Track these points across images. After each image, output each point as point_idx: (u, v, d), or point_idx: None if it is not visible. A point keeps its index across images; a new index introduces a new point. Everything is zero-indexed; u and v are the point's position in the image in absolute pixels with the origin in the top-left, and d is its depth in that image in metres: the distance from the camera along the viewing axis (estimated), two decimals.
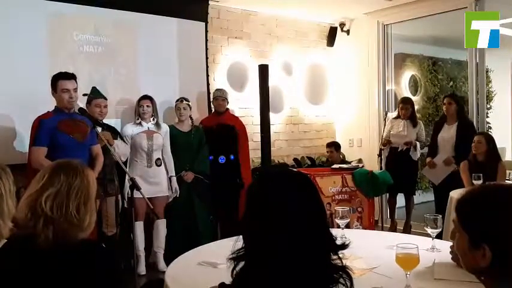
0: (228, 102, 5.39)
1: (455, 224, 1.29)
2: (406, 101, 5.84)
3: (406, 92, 7.39)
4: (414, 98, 6.95)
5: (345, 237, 2.30)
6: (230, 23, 6.10)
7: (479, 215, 1.23)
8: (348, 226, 2.70)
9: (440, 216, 2.39)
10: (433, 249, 2.36)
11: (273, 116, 5.81)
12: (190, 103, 5.01)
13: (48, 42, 4.58)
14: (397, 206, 5.95)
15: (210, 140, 5.08)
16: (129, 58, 5.14)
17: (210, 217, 5.08)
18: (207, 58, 5.72)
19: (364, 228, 4.99)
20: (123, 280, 3.43)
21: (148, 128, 4.67)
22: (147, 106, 4.66)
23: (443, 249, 2.28)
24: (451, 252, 2.17)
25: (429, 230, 2.35)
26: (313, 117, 6.98)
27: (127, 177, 4.25)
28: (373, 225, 5.31)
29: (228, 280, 1.28)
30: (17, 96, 4.29)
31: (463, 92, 7.02)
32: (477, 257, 1.21)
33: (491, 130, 6.87)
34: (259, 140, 5.39)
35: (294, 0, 5.91)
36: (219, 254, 1.92)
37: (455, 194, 4.11)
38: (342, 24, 6.97)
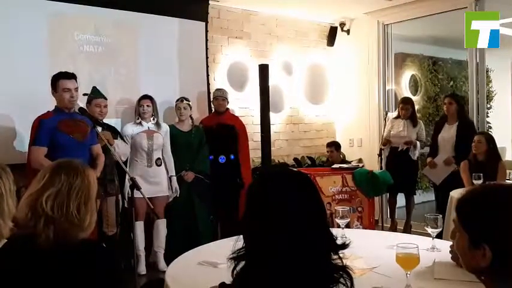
0: (228, 102, 5.39)
1: (456, 224, 1.30)
2: (406, 101, 5.83)
3: (406, 92, 7.39)
4: (414, 98, 6.95)
5: (345, 237, 2.31)
6: (230, 22, 6.10)
7: (479, 214, 1.23)
8: (348, 226, 2.70)
9: (441, 216, 2.39)
10: (433, 249, 2.36)
11: (273, 116, 5.81)
12: (190, 103, 5.01)
13: (48, 42, 4.58)
14: (397, 205, 5.95)
15: (210, 140, 5.08)
16: (130, 58, 5.14)
17: (210, 217, 5.08)
18: (207, 58, 5.72)
19: (365, 228, 4.99)
20: (124, 280, 3.44)
21: (148, 127, 4.67)
22: (147, 106, 4.66)
23: (443, 249, 2.28)
24: (451, 252, 2.17)
25: (429, 230, 2.35)
26: (313, 117, 6.98)
27: (127, 177, 4.25)
28: (373, 225, 5.31)
29: (228, 280, 1.28)
30: (17, 96, 4.29)
31: (463, 91, 7.02)
32: (477, 256, 1.22)
33: (491, 130, 6.87)
34: (260, 139, 5.39)
35: (294, 0, 5.90)
36: (219, 253, 1.93)
37: (455, 193, 4.11)
38: (342, 24, 6.97)
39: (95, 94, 4.39)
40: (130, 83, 5.10)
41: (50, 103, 3.86)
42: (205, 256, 2.37)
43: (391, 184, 5.31)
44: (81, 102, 4.15)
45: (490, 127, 6.97)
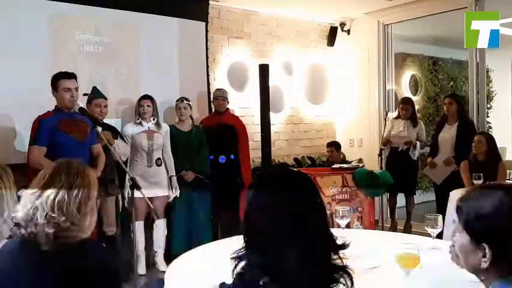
0: (228, 102, 5.39)
1: (456, 224, 1.30)
2: (407, 101, 5.84)
3: (406, 92, 7.39)
4: (414, 98, 6.96)
5: (345, 237, 2.30)
6: (230, 22, 6.10)
7: (479, 215, 1.23)
8: (348, 226, 2.70)
9: (441, 216, 2.39)
10: (434, 249, 2.36)
11: (273, 116, 5.81)
12: (190, 103, 5.00)
13: (49, 42, 4.58)
14: (397, 205, 5.95)
15: (210, 140, 5.07)
16: (130, 58, 5.14)
17: (210, 217, 5.08)
18: (207, 58, 5.72)
19: (365, 228, 4.99)
20: (124, 280, 3.44)
21: (148, 127, 4.67)
22: (148, 106, 4.66)
23: (443, 249, 2.28)
24: (450, 252, 2.17)
25: (429, 230, 2.35)
26: (313, 117, 6.98)
27: (127, 177, 4.25)
28: (373, 225, 5.31)
29: (228, 280, 1.28)
30: (18, 95, 4.29)
31: (463, 91, 7.02)
32: (477, 256, 1.22)
33: (491, 130, 6.88)
34: (260, 139, 5.39)
35: (295, 0, 5.90)
36: (219, 253, 1.93)
37: (455, 193, 4.11)
38: (342, 24, 6.97)
39: (95, 94, 4.39)
40: (130, 83, 5.10)
41: (50, 103, 3.86)
42: (205, 256, 2.37)
43: (391, 184, 5.31)
44: (82, 102, 4.15)
45: (490, 127, 6.98)
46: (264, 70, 5.35)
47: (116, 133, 4.52)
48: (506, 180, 4.90)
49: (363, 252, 2.26)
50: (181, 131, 4.96)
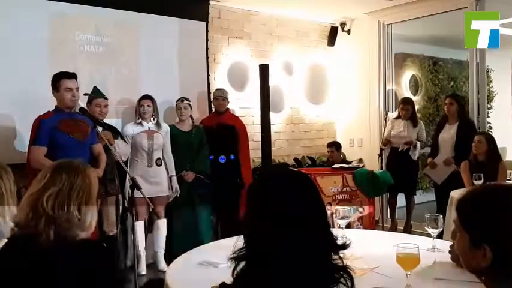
0: (228, 102, 5.39)
1: (456, 224, 1.30)
2: (407, 102, 5.83)
3: (406, 92, 7.39)
4: (415, 98, 6.95)
5: (346, 237, 2.30)
6: (231, 22, 6.11)
7: (479, 215, 1.23)
8: (348, 226, 2.70)
9: (441, 216, 2.39)
10: (434, 249, 2.36)
11: (273, 116, 5.81)
12: (190, 103, 5.00)
13: (49, 42, 4.58)
14: (397, 205, 5.95)
15: (210, 140, 5.08)
16: (130, 58, 5.14)
17: (211, 217, 5.08)
18: (207, 58, 5.72)
19: (365, 228, 4.99)
20: (124, 280, 3.44)
21: (148, 127, 4.67)
22: (148, 106, 4.66)
23: (443, 249, 2.28)
24: (450, 252, 2.18)
25: (430, 230, 2.35)
26: (313, 117, 6.98)
27: (128, 176, 4.25)
28: (373, 225, 5.31)
29: (228, 280, 1.28)
30: (18, 95, 4.29)
31: (463, 92, 7.02)
32: (478, 257, 1.22)
33: (491, 130, 6.87)
34: (260, 139, 5.39)
35: (295, 0, 5.91)
36: (219, 253, 1.93)
37: (456, 194, 4.11)
38: (343, 24, 6.97)
39: (96, 94, 4.39)
40: (130, 82, 5.11)
41: (50, 103, 3.86)
42: (205, 256, 2.37)
43: (392, 184, 5.31)
44: (82, 102, 4.15)
45: (491, 127, 6.97)
46: (264, 70, 5.35)
47: (116, 133, 4.52)
48: (507, 181, 4.90)
49: (363, 252, 2.27)
50: (181, 131, 4.96)
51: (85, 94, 4.29)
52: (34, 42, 4.47)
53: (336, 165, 5.70)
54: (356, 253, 2.13)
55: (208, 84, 5.73)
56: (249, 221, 1.28)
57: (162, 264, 4.58)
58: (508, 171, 5.03)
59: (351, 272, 1.26)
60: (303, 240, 1.21)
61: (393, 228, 5.78)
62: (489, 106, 7.31)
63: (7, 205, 1.85)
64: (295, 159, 6.57)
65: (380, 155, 5.91)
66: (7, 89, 4.27)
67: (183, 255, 2.50)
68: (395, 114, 6.07)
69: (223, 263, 1.81)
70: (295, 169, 5.25)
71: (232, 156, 5.22)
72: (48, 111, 3.79)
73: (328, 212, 1.38)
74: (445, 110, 5.45)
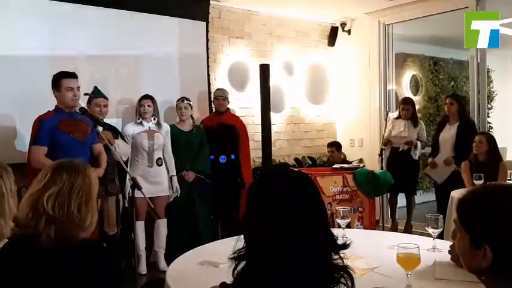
0: (228, 102, 5.39)
1: (456, 224, 1.30)
2: (407, 102, 5.83)
3: (407, 92, 7.39)
4: (415, 98, 6.95)
5: (346, 237, 2.30)
6: (231, 22, 6.11)
7: (480, 215, 1.23)
8: (348, 226, 2.70)
9: (442, 216, 2.39)
10: (434, 249, 2.36)
11: (273, 116, 5.82)
12: (191, 102, 5.00)
13: (49, 42, 4.58)
14: (398, 205, 5.95)
15: (210, 140, 5.08)
16: (130, 58, 5.14)
17: (211, 217, 5.08)
18: (208, 58, 5.72)
19: (365, 228, 4.99)
20: (124, 279, 3.44)
21: (149, 127, 4.67)
22: (148, 106, 4.66)
23: (444, 249, 2.28)
24: (450, 252, 2.18)
25: (430, 230, 2.35)
26: (314, 117, 6.98)
27: (128, 176, 4.25)
28: (374, 225, 5.31)
29: (229, 280, 1.28)
30: (18, 95, 4.30)
31: (464, 92, 7.02)
32: (478, 257, 1.22)
33: (492, 130, 6.87)
34: (260, 139, 5.40)
35: (295, 0, 5.90)
36: (219, 253, 1.93)
37: (456, 193, 4.11)
38: (343, 24, 6.97)
39: (96, 94, 4.39)
40: (131, 82, 5.11)
41: (50, 103, 3.86)
42: (205, 256, 2.37)
43: (392, 184, 5.31)
44: (82, 102, 4.15)
45: (491, 127, 6.97)
46: (264, 70, 5.35)
47: (116, 133, 4.52)
48: (507, 181, 4.90)
49: (364, 252, 2.27)
50: (181, 131, 4.96)
51: (85, 94, 4.29)
52: (35, 42, 4.46)
53: (336, 165, 5.70)
54: (356, 253, 2.13)
55: (209, 84, 5.73)
56: (249, 221, 1.28)
57: (162, 264, 4.58)
58: (509, 171, 5.03)
59: (351, 272, 1.26)
60: (303, 240, 1.21)
61: (393, 228, 5.77)
62: (489, 106, 7.31)
63: (8, 205, 1.85)
64: (296, 159, 6.57)
65: (380, 155, 5.91)
66: (7, 89, 4.27)
67: (183, 255, 2.50)
68: (395, 114, 6.06)
69: (223, 262, 1.81)
70: (296, 169, 5.25)
71: (232, 156, 5.22)
72: (49, 111, 3.79)
73: (329, 212, 1.38)
74: (445, 110, 5.44)
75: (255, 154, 5.77)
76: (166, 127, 4.81)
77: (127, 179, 4.37)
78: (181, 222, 4.82)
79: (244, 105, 6.11)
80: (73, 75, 3.78)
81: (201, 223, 4.88)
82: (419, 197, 6.39)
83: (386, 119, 6.10)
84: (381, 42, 6.67)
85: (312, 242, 1.22)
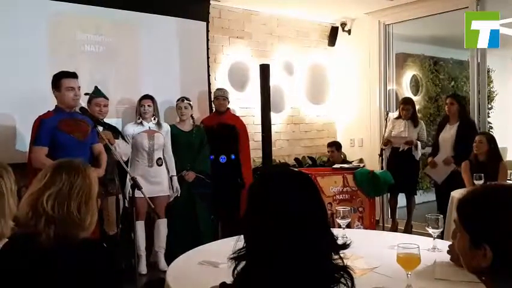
0: (229, 102, 5.39)
1: (457, 224, 1.30)
2: (407, 102, 5.83)
3: (407, 92, 7.39)
4: (415, 98, 6.95)
5: (346, 237, 2.30)
6: (231, 22, 6.11)
7: (480, 215, 1.23)
8: (349, 226, 2.70)
9: (442, 216, 2.39)
10: (434, 249, 2.36)
11: (274, 116, 5.82)
12: (191, 102, 5.01)
13: (49, 42, 4.58)
14: (398, 205, 5.95)
15: (211, 140, 5.08)
16: (130, 58, 5.14)
17: (211, 217, 5.08)
18: (208, 58, 5.72)
19: (365, 228, 4.99)
20: (124, 279, 3.44)
21: (149, 127, 4.67)
22: (148, 106, 4.66)
23: (444, 249, 2.28)
24: (448, 252, 2.18)
25: (430, 230, 2.35)
26: (314, 116, 6.98)
27: (128, 176, 4.25)
28: (374, 225, 5.31)
29: (229, 280, 1.28)
30: (18, 95, 4.30)
31: (464, 92, 7.01)
32: (478, 257, 1.22)
33: (492, 130, 6.86)
34: (260, 139, 5.40)
35: (295, 0, 5.90)
36: (220, 253, 1.93)
37: (456, 193, 4.11)
38: (343, 24, 6.97)
39: (96, 93, 4.39)
40: (131, 82, 5.10)
41: (50, 103, 3.86)
42: (206, 256, 2.37)
43: (392, 184, 5.31)
44: (83, 102, 4.15)
45: (491, 127, 6.97)
46: (264, 70, 5.35)
47: (117, 133, 4.52)
48: (507, 181, 4.90)
49: (364, 252, 2.27)
50: (182, 131, 4.96)
51: (86, 94, 4.29)
52: (34, 42, 4.47)
53: (336, 165, 5.70)
54: (356, 253, 2.13)
55: (209, 84, 5.73)
56: (249, 221, 1.28)
57: (163, 264, 4.58)
58: (509, 171, 5.03)
59: (351, 271, 1.26)
60: (303, 240, 1.21)
61: (394, 228, 5.77)
62: (490, 106, 7.30)
63: (8, 204, 1.85)
64: (296, 159, 6.57)
65: (381, 155, 5.91)
66: (8, 89, 4.27)
67: (183, 255, 2.49)
68: (395, 114, 6.06)
69: (223, 262, 1.81)
70: (296, 169, 5.25)
71: (232, 156, 5.23)
72: (49, 111, 3.79)
73: (329, 212, 1.38)
74: (445, 110, 5.44)
75: (255, 154, 5.77)
76: (166, 127, 4.81)
77: (127, 179, 4.37)
78: (182, 222, 4.82)
79: (245, 105, 6.11)
80: (73, 75, 3.78)
81: (201, 223, 4.88)
82: (419, 197, 6.39)
83: (386, 119, 6.10)
84: (381, 42, 6.67)
85: (312, 242, 1.22)
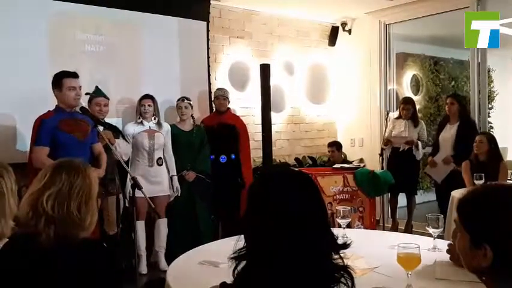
0: (229, 102, 5.39)
1: (457, 224, 1.30)
2: (407, 101, 5.83)
3: (407, 92, 7.38)
4: (416, 98, 6.94)
5: (346, 237, 2.30)
6: (232, 22, 6.11)
7: (480, 215, 1.23)
8: (349, 226, 2.70)
9: (442, 216, 2.39)
10: (435, 249, 2.36)
11: (274, 116, 5.81)
12: (191, 102, 5.01)
13: (49, 42, 4.58)
14: (398, 205, 5.95)
15: (211, 140, 5.08)
16: (131, 57, 5.14)
17: (211, 216, 5.08)
18: (208, 57, 5.72)
19: (366, 227, 4.99)
20: (124, 279, 3.45)
21: (149, 127, 4.67)
22: (149, 105, 4.66)
23: (444, 249, 2.28)
24: (448, 251, 2.18)
25: (431, 230, 2.35)
26: (314, 116, 6.98)
27: (128, 176, 4.25)
28: (374, 225, 5.31)
29: (229, 279, 1.28)
30: (18, 95, 4.30)
31: (464, 91, 7.01)
32: (478, 256, 1.22)
33: (492, 130, 6.86)
34: (261, 139, 5.40)
35: (296, 0, 5.90)
36: (220, 253, 1.93)
37: (457, 193, 4.11)
38: (344, 24, 6.97)
39: (97, 93, 4.40)
40: (131, 82, 5.11)
41: (51, 102, 3.87)
42: (206, 256, 2.37)
43: (392, 184, 5.31)
44: (83, 102, 4.15)
45: (492, 127, 6.96)
46: (265, 70, 5.35)
47: (117, 132, 4.52)
48: (508, 181, 4.90)
49: (364, 252, 2.27)
50: (182, 131, 4.96)
51: (86, 93, 4.30)
52: (35, 42, 4.47)
53: (336, 165, 5.70)
54: (357, 253, 2.13)
55: (209, 83, 5.73)
56: (249, 221, 1.28)
57: (163, 263, 4.58)
58: (509, 171, 5.02)
59: (351, 271, 1.26)
60: (303, 240, 1.21)
61: (394, 228, 5.77)
62: (490, 106, 7.29)
63: (8, 204, 1.85)
64: (296, 159, 6.57)
65: (381, 154, 5.91)
66: (8, 89, 4.27)
67: (183, 254, 2.50)
68: (396, 114, 6.06)
69: (223, 262, 1.80)
70: (296, 169, 5.25)
71: (233, 156, 5.23)
72: (49, 111, 3.79)
73: (329, 212, 1.38)
74: (446, 109, 5.44)
75: (256, 154, 5.77)
76: (166, 127, 4.81)
77: (127, 179, 4.37)
78: (182, 222, 4.82)
79: (245, 105, 6.11)
80: (74, 75, 3.78)
81: (202, 223, 4.88)
82: (419, 197, 6.38)
83: (386, 119, 6.10)
84: (382, 42, 6.67)
85: (312, 242, 1.22)
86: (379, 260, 2.22)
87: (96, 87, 4.45)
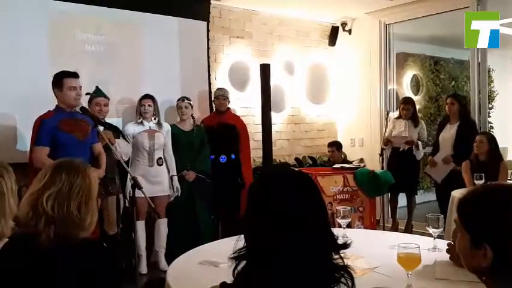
0: (229, 102, 5.39)
1: (457, 224, 1.30)
2: (408, 101, 5.83)
3: (407, 92, 7.38)
4: (416, 98, 6.95)
5: (347, 237, 2.30)
6: (232, 22, 6.11)
7: (480, 215, 1.23)
8: (349, 226, 2.70)
9: (442, 216, 2.39)
10: (435, 249, 2.36)
11: (274, 116, 5.81)
12: (191, 102, 5.01)
13: (50, 42, 4.58)
14: (398, 205, 5.94)
15: (211, 139, 5.08)
16: (131, 57, 5.15)
17: (211, 216, 5.08)
18: (208, 57, 5.72)
19: (366, 227, 4.99)
20: (124, 279, 3.45)
21: (149, 127, 4.67)
22: (149, 105, 4.66)
23: (444, 249, 2.28)
24: (447, 251, 2.18)
25: (431, 230, 2.35)
26: (314, 116, 6.98)
27: (129, 176, 4.25)
28: (374, 224, 5.31)
29: (229, 279, 1.28)
30: (19, 95, 4.30)
31: (464, 91, 7.01)
32: (478, 256, 1.21)
33: (493, 130, 6.86)
34: (261, 139, 5.40)
35: (296, 0, 5.90)
36: (220, 253, 1.93)
37: (457, 193, 4.11)
38: (344, 24, 6.97)
39: (97, 93, 4.40)
40: (131, 82, 5.11)
41: (51, 102, 3.86)
42: (206, 256, 2.37)
43: (393, 184, 5.31)
44: (83, 102, 4.15)
45: (492, 127, 6.96)
46: (265, 70, 5.35)
47: (117, 132, 4.52)
48: (508, 180, 4.90)
49: (364, 252, 2.27)
50: (182, 131, 4.96)
51: (87, 93, 4.30)
52: (35, 42, 4.47)
53: (336, 165, 5.70)
54: (357, 253, 2.13)
55: (209, 83, 5.73)
56: (249, 221, 1.28)
57: (163, 263, 4.58)
58: (509, 171, 5.02)
59: (351, 271, 1.26)
60: (303, 240, 1.21)
61: (394, 228, 5.77)
62: (490, 106, 7.29)
63: (8, 204, 1.85)
64: (296, 159, 6.57)
65: (381, 154, 5.91)
66: (8, 89, 4.27)
67: (183, 254, 2.50)
68: (396, 114, 6.06)
69: (223, 262, 1.80)
70: (296, 169, 5.25)
71: (233, 156, 5.23)
72: (49, 111, 3.79)
73: (329, 212, 1.38)
74: (446, 109, 5.44)
75: (256, 154, 5.77)
76: (166, 127, 4.81)
77: (128, 179, 4.37)
78: (182, 222, 4.82)
79: (245, 105, 6.11)
80: (75, 75, 3.78)
81: (202, 223, 4.88)
82: (419, 197, 6.39)
83: (387, 119, 6.10)
84: (382, 41, 6.67)
85: (312, 242, 1.22)
86: (379, 260, 2.22)
87: (97, 87, 4.45)
